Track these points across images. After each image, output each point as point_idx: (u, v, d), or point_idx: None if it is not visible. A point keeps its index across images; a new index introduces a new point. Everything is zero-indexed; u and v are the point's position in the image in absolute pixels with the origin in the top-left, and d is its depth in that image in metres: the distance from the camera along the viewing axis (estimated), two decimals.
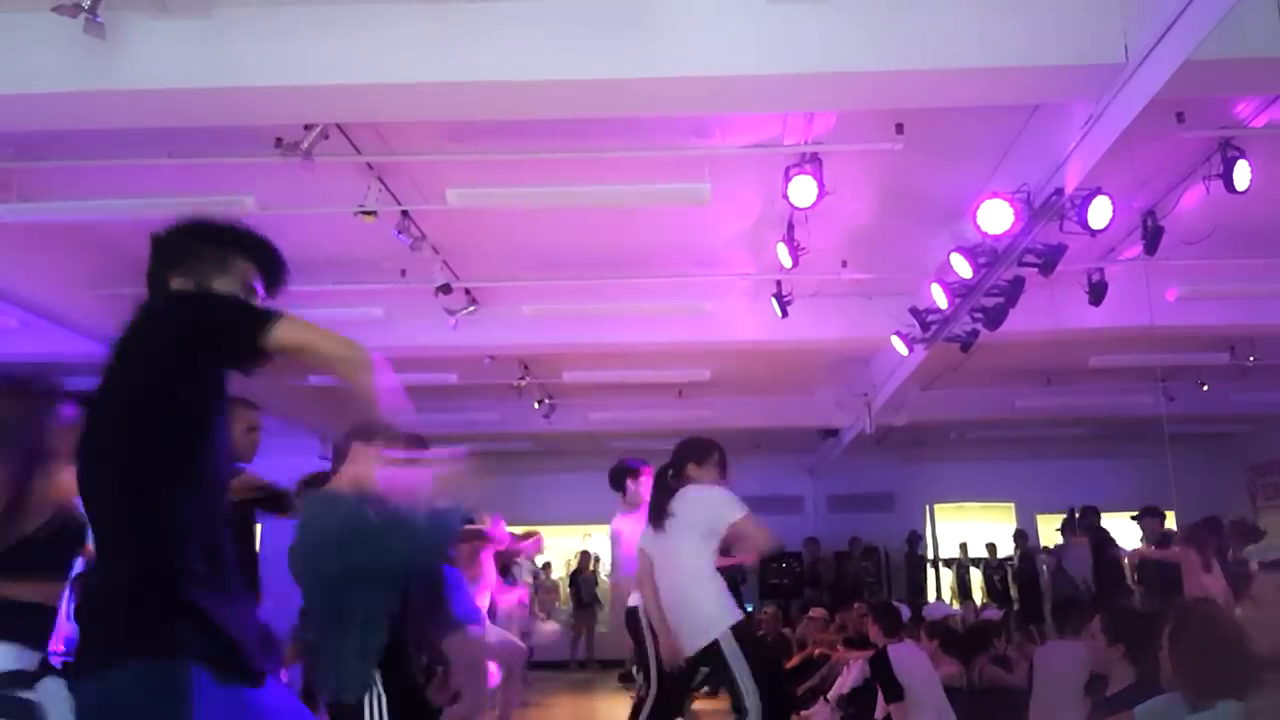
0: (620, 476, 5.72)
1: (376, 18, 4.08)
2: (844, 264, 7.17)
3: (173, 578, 1.86)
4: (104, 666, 1.81)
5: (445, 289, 7.18)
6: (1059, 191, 5.13)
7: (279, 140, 5.03)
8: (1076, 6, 4.07)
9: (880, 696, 5.83)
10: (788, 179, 5.29)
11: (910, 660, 5.71)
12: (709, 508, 4.24)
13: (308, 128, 4.94)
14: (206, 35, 4.06)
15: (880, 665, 5.68)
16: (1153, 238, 5.84)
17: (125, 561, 1.89)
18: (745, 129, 5.32)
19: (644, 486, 5.38)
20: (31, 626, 2.73)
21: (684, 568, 4.23)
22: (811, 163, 5.24)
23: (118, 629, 1.83)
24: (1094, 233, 5.31)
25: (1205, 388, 10.55)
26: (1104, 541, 9.76)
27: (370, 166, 5.60)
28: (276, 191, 5.66)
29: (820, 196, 5.26)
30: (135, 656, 1.79)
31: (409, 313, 7.87)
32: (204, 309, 2.02)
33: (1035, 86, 4.36)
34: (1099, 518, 10.35)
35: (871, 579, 13.58)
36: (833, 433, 12.38)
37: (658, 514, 4.37)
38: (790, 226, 6.18)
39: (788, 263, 6.30)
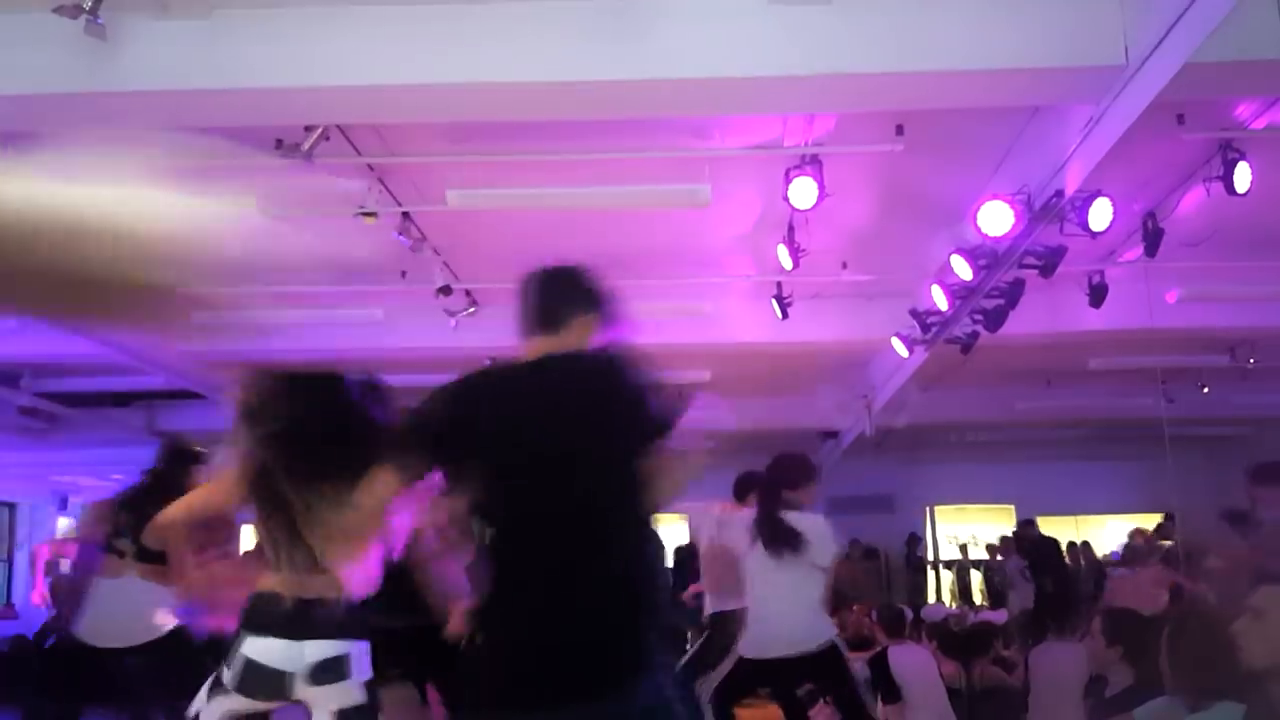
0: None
1: (377, 19, 4.08)
2: (844, 266, 7.17)
3: None
4: (660, 667, 2.18)
5: (446, 290, 7.18)
6: (1059, 193, 5.13)
7: (279, 141, 5.03)
8: (1077, 8, 4.07)
9: (879, 699, 5.83)
10: (788, 180, 5.28)
11: (911, 662, 5.70)
12: (824, 545, 4.41)
13: (308, 129, 4.94)
14: (207, 36, 4.06)
15: (879, 665, 5.67)
16: (1153, 239, 5.83)
17: (652, 580, 2.26)
18: (745, 131, 5.32)
19: None
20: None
21: (799, 582, 4.37)
22: (812, 164, 5.24)
23: (655, 635, 2.19)
24: (1094, 235, 5.31)
25: (1205, 390, 10.52)
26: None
27: (371, 168, 5.60)
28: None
29: (820, 198, 5.25)
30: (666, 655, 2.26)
31: (409, 314, 7.87)
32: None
33: (1035, 88, 4.36)
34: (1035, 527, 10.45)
35: (871, 580, 13.57)
36: (833, 434, 12.37)
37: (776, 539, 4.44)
38: (790, 228, 6.18)
39: (788, 264, 6.30)
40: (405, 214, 6.09)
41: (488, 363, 9.93)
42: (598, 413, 2.23)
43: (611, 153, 5.39)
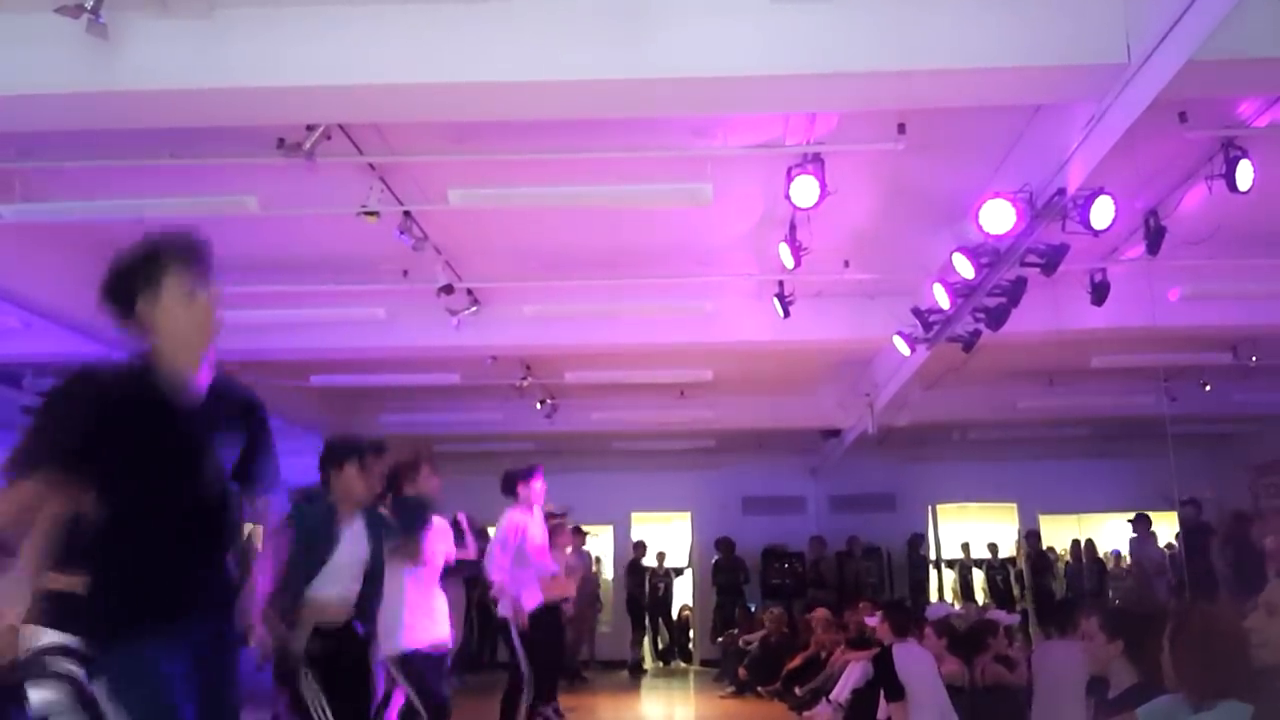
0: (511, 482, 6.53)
1: (378, 18, 4.08)
2: (846, 264, 7.17)
3: None
4: None
5: (447, 289, 7.18)
6: (1061, 191, 5.13)
7: (281, 141, 5.03)
8: (1079, 6, 4.07)
9: (882, 696, 5.82)
10: (790, 179, 5.28)
11: (914, 660, 5.71)
12: None
13: (310, 128, 4.94)
14: (208, 36, 4.06)
15: (883, 663, 5.68)
16: (1155, 238, 5.83)
17: None
18: (747, 129, 5.32)
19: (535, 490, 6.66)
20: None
21: None
22: (813, 163, 5.23)
23: None
24: (1096, 233, 5.30)
25: (1208, 388, 10.53)
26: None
27: (372, 167, 5.60)
28: (279, 192, 5.67)
29: (822, 197, 5.25)
30: None
31: (411, 313, 7.87)
32: None
33: (1038, 86, 4.35)
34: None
35: (874, 579, 13.57)
36: (835, 433, 12.36)
37: None
38: (792, 227, 6.17)
39: (790, 263, 6.30)
40: (407, 213, 6.08)
41: (489, 362, 9.96)
42: None
43: (613, 152, 5.39)
